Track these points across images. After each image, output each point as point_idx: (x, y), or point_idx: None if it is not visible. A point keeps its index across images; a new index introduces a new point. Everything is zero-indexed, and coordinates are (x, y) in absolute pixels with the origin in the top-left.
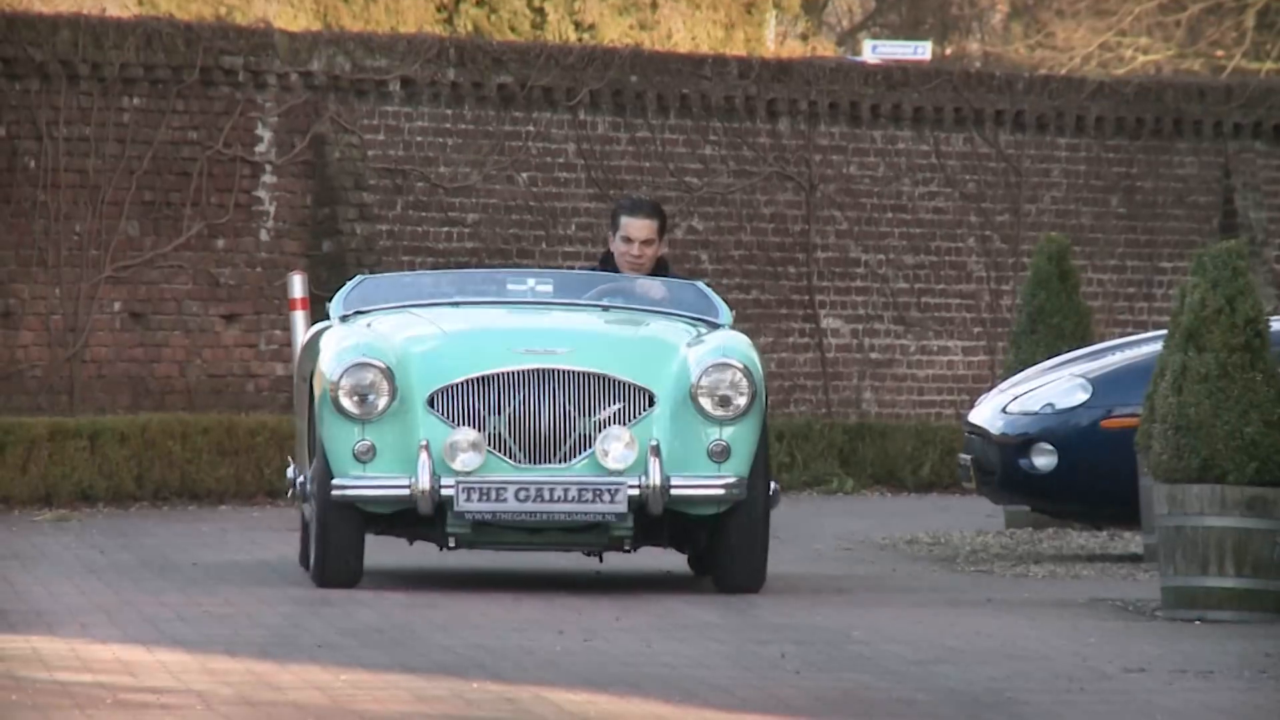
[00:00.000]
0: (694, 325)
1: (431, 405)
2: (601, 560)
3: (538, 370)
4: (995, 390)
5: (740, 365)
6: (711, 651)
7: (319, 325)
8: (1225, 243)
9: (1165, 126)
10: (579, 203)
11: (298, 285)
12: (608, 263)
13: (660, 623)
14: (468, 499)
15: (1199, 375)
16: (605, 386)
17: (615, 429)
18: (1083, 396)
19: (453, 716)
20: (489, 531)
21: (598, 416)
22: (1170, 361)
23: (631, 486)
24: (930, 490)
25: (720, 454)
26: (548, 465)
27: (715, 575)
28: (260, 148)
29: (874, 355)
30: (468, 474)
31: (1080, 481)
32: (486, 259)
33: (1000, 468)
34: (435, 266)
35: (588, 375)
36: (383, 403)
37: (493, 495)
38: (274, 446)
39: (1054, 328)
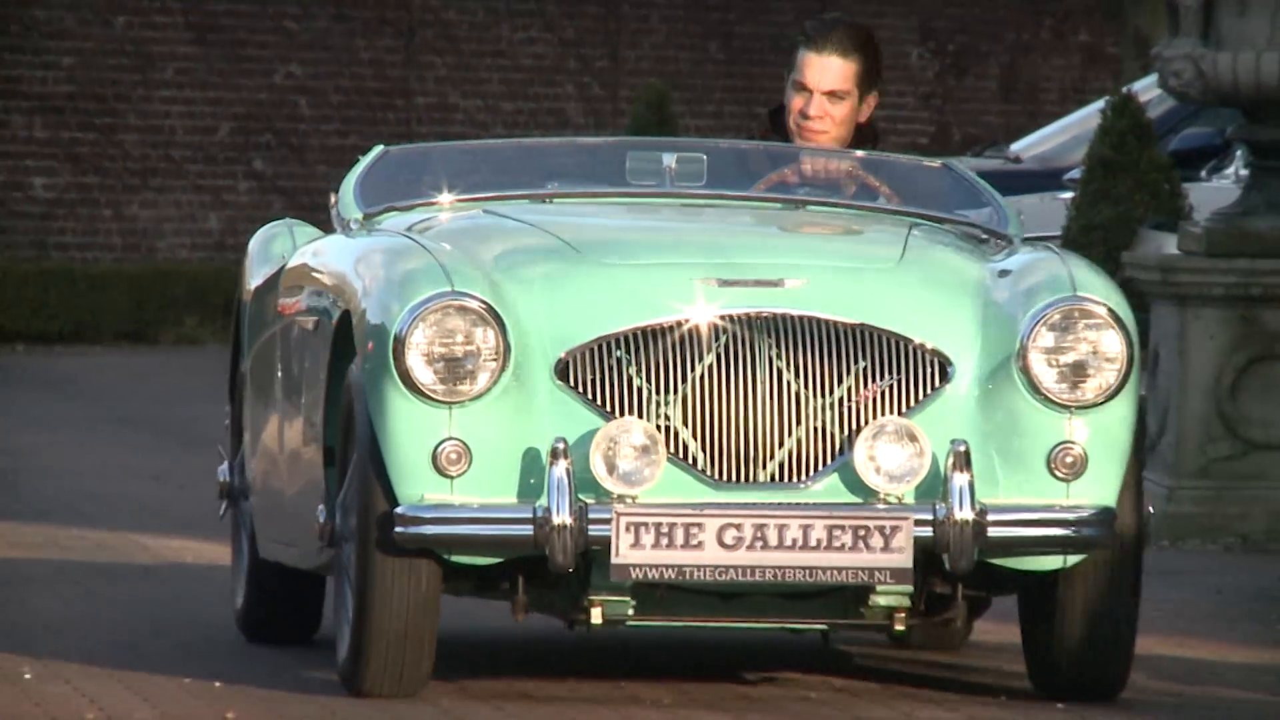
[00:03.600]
0: (963, 236)
1: (564, 377)
2: (827, 643)
3: (747, 317)
4: None
5: (1105, 311)
6: None
7: (282, 227)
8: None
9: None
10: (177, 47)
11: None
12: (776, 125)
13: None
14: (635, 543)
15: None
16: (867, 346)
17: (893, 421)
18: None
19: (47, 560)
20: (656, 599)
21: (860, 395)
22: None
23: (920, 522)
24: None
25: (1070, 466)
26: (761, 485)
27: (1037, 670)
28: None
29: None
30: (632, 499)
31: None
32: (83, 103)
33: None
34: (31, 113)
35: (836, 327)
36: (488, 373)
37: (681, 537)
38: None
39: None
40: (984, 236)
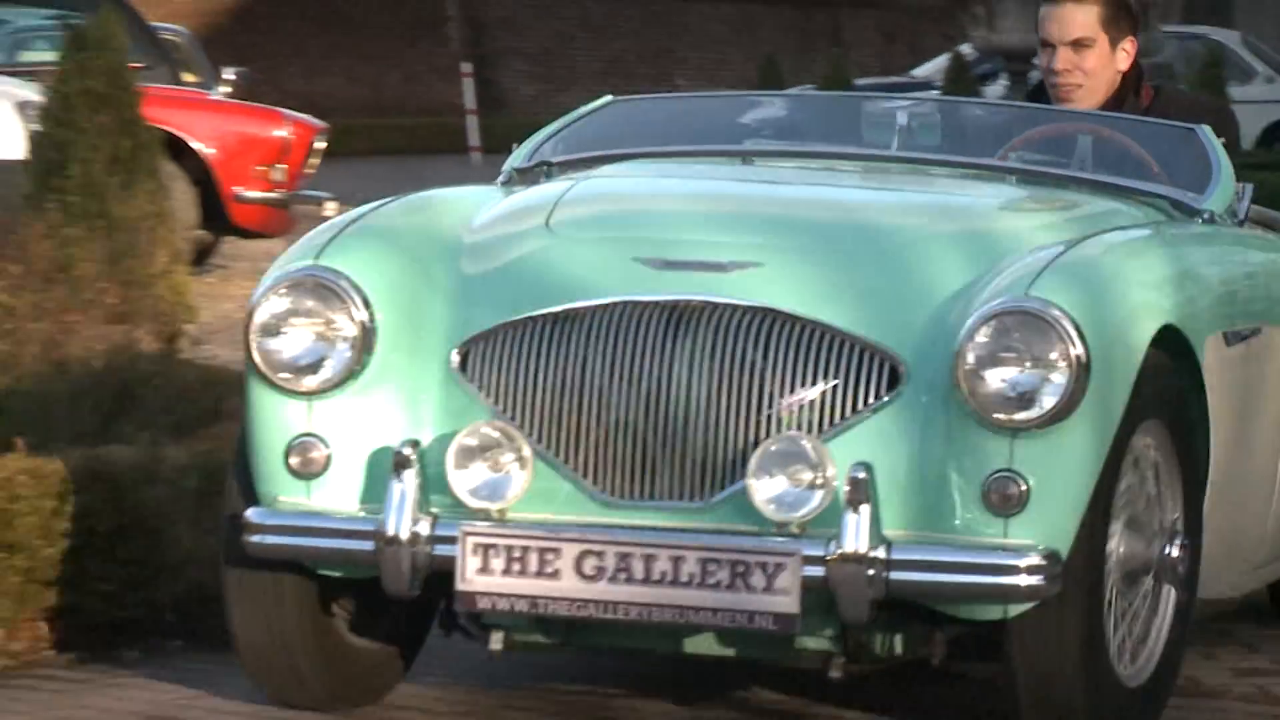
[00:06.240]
0: (1126, 212)
1: (465, 369)
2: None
3: (674, 305)
4: None
5: (1056, 316)
6: None
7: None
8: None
9: None
10: None
11: None
12: (1040, 91)
13: None
14: (483, 568)
15: None
16: (807, 345)
17: (790, 439)
18: None
19: None
20: (563, 621)
21: (783, 403)
22: None
23: (811, 559)
24: None
25: (1006, 501)
26: (656, 504)
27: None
28: None
29: None
30: (500, 514)
31: None
32: None
33: None
34: None
35: (773, 320)
36: (341, 357)
37: (535, 564)
38: None
39: None
40: (1148, 211)
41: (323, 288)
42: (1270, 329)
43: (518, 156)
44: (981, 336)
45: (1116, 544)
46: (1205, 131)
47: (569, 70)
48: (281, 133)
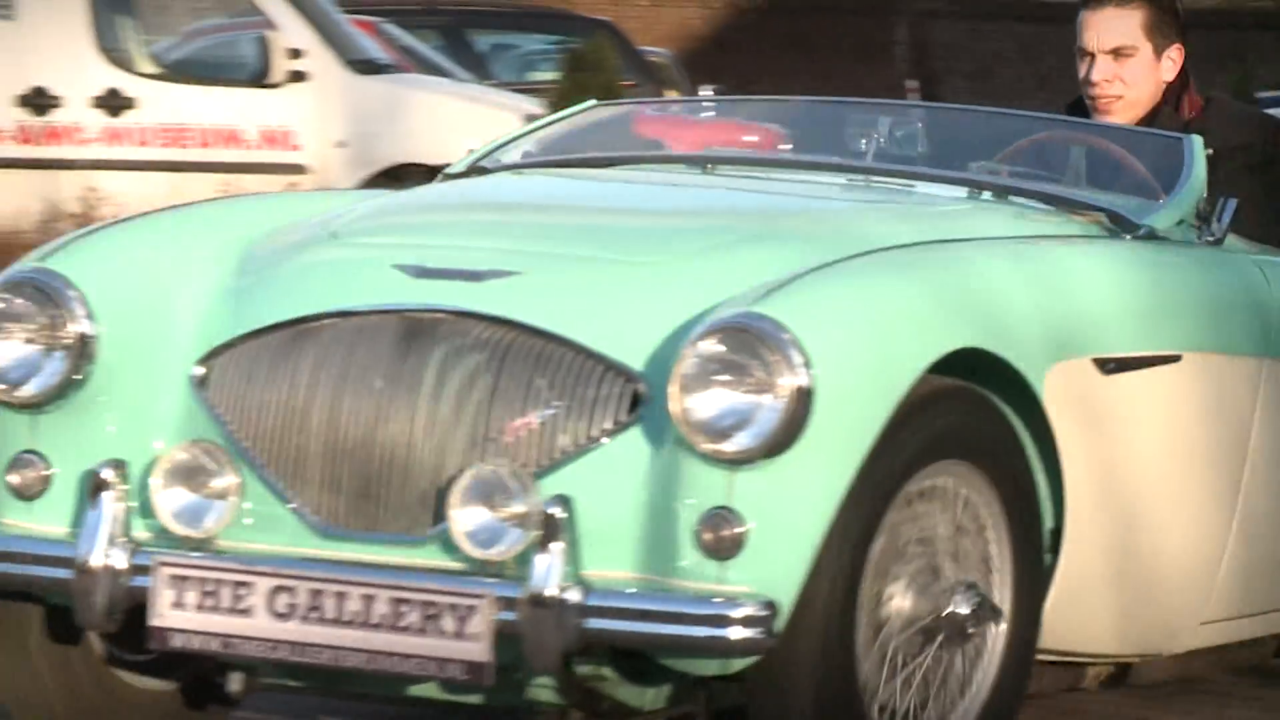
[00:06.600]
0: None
1: (204, 384)
2: None
3: (403, 316)
4: None
5: (775, 334)
6: None
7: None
8: None
9: None
10: None
11: None
12: (1078, 107)
13: None
14: (177, 603)
15: None
16: (545, 362)
17: (491, 469)
18: None
19: None
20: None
21: (510, 427)
22: None
23: (505, 601)
24: None
25: (720, 542)
26: (384, 534)
27: None
28: None
29: None
30: (189, 542)
31: None
32: None
33: None
34: None
35: (513, 334)
36: (55, 368)
37: (228, 599)
38: None
39: None
40: (1110, 227)
41: (39, 292)
42: (1199, 356)
43: (461, 162)
44: (693, 356)
45: (900, 601)
46: (1191, 142)
47: (1003, 86)
48: (750, 139)
